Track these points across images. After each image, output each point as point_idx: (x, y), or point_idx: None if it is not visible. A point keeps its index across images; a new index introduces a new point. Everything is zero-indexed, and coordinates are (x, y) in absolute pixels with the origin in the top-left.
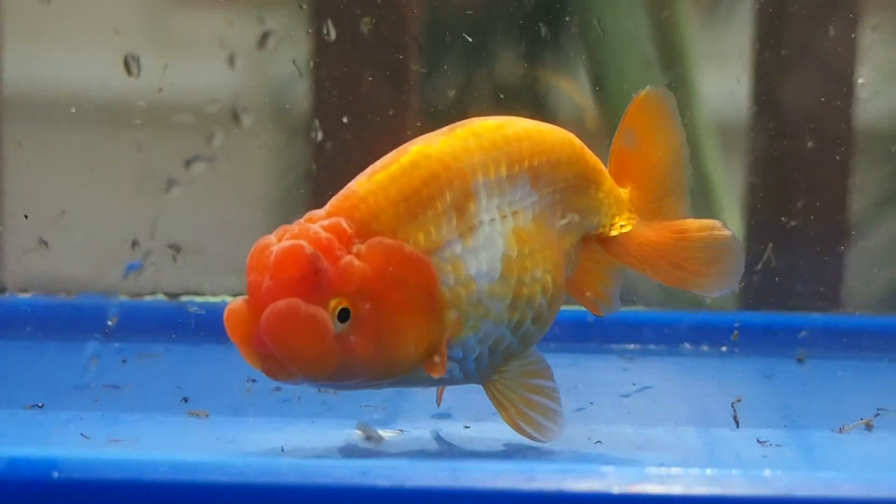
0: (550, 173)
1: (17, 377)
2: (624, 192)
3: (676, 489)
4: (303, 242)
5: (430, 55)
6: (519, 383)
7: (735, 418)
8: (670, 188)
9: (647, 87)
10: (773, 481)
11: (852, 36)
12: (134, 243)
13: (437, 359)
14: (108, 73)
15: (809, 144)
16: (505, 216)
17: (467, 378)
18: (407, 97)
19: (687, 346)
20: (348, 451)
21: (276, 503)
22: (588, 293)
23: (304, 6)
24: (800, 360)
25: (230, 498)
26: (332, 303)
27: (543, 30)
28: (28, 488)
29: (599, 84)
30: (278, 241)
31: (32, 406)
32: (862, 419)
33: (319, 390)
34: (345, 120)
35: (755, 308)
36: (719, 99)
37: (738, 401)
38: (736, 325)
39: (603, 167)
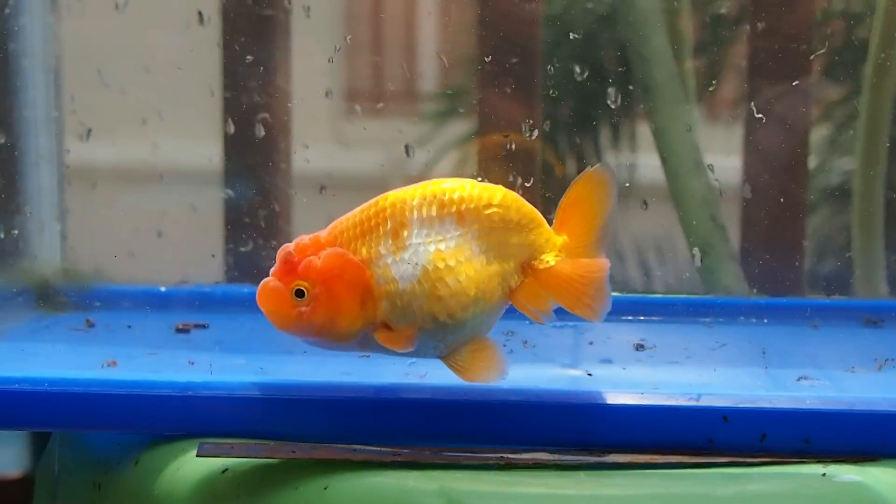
0: (475, 216)
1: None
2: (559, 238)
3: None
4: (290, 246)
5: None
6: (468, 356)
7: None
8: (595, 240)
9: (597, 164)
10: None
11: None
12: None
13: (375, 329)
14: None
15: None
16: (430, 242)
17: (415, 353)
18: None
19: (741, 318)
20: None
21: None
22: (529, 306)
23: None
24: (815, 327)
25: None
26: (294, 284)
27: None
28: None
29: (665, 160)
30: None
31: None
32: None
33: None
34: None
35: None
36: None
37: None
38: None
39: (537, 217)
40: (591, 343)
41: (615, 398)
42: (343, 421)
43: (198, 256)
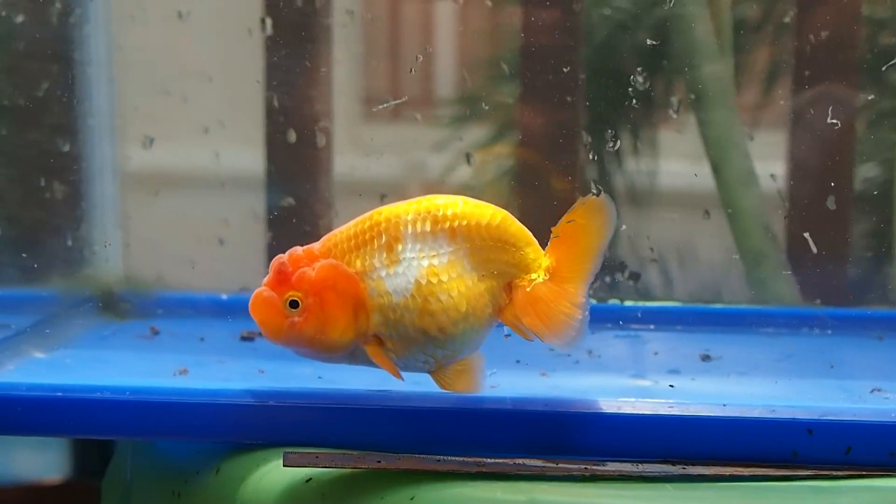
0: (467, 233)
1: None
2: (546, 259)
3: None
4: (284, 257)
5: None
6: (456, 372)
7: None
8: (582, 268)
9: (600, 194)
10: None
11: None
12: None
13: (367, 342)
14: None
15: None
16: (423, 257)
17: (406, 367)
18: None
19: (804, 329)
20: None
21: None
22: (517, 324)
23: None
24: (880, 339)
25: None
26: (287, 294)
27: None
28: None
29: (716, 169)
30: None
31: None
32: None
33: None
34: None
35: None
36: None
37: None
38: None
39: (527, 237)
40: (656, 353)
41: (698, 410)
42: (425, 431)
43: (259, 264)
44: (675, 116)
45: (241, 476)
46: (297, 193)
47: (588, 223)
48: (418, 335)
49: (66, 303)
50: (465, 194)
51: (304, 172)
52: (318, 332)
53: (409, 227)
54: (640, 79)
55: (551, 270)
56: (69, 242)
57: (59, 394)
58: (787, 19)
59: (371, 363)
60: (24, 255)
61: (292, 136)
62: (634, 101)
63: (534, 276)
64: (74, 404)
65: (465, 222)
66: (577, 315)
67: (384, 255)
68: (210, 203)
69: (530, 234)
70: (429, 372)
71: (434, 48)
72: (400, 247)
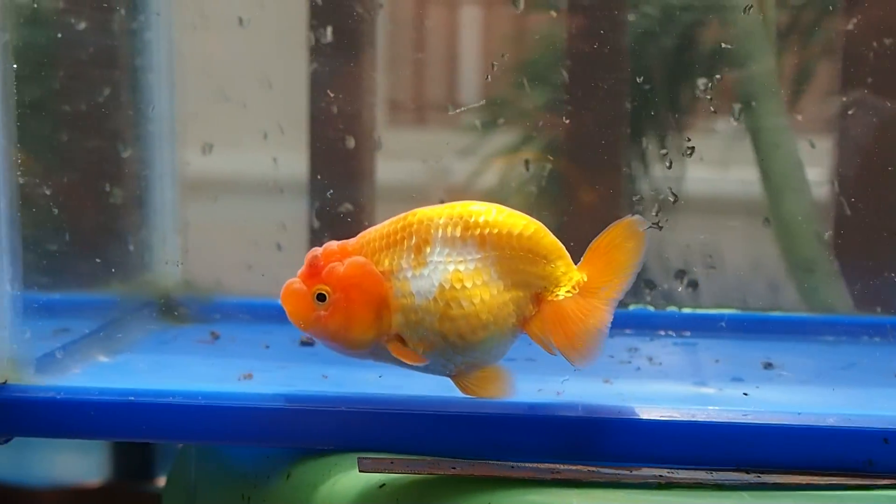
0: (497, 242)
1: None
2: (577, 274)
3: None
4: (318, 251)
5: None
6: (477, 379)
7: None
8: (613, 288)
9: (635, 216)
10: None
11: None
12: None
13: (387, 340)
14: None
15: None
16: (450, 262)
17: (425, 370)
18: None
19: (865, 337)
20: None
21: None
22: (541, 337)
23: None
24: None
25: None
26: (316, 287)
27: None
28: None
29: (766, 175)
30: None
31: None
32: None
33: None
34: None
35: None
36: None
37: None
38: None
39: (560, 250)
40: (717, 361)
41: (773, 418)
42: (498, 437)
43: None
44: (735, 123)
45: (314, 481)
46: (354, 198)
47: (623, 243)
48: (437, 339)
49: (126, 307)
50: (511, 202)
51: (360, 177)
52: (340, 328)
53: (440, 231)
54: (699, 83)
55: (581, 285)
56: (130, 247)
57: (132, 398)
58: (849, 26)
59: (394, 361)
60: (85, 259)
61: (350, 142)
62: (688, 106)
63: (563, 289)
64: (147, 409)
65: (496, 230)
66: (600, 335)
67: (412, 256)
68: (268, 208)
69: (563, 247)
70: (449, 376)
71: (464, 53)
72: (428, 249)
